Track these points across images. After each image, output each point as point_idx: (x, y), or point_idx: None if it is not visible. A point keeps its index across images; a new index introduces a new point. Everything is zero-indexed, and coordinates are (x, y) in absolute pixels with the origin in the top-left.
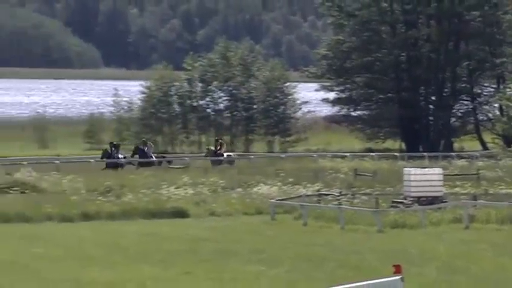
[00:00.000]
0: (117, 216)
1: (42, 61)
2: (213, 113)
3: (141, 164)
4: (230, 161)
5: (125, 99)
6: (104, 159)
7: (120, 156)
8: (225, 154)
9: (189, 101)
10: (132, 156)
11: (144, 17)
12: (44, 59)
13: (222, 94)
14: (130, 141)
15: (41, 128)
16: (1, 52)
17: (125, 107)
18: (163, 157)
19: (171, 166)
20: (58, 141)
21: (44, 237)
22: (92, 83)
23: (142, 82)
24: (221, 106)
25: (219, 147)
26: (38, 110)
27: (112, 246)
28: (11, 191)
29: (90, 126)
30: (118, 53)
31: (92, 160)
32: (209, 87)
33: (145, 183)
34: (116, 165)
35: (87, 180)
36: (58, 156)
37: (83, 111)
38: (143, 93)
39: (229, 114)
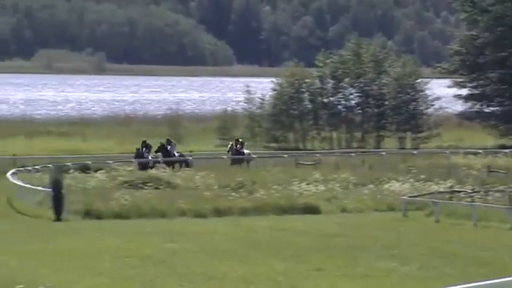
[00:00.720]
0: (249, 211)
1: (177, 59)
2: (344, 109)
3: (164, 163)
4: (248, 160)
5: (256, 95)
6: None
7: (151, 156)
8: (245, 151)
9: (320, 98)
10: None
11: (277, 14)
12: (179, 56)
13: (353, 91)
14: (262, 137)
15: (174, 125)
16: (137, 50)
17: (257, 104)
18: (182, 156)
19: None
20: (191, 138)
21: (178, 232)
22: (225, 80)
23: (273, 79)
24: (352, 103)
25: (239, 146)
26: (172, 107)
27: (244, 241)
28: (146, 187)
29: (223, 123)
30: (250, 50)
31: (225, 157)
32: (340, 83)
33: (277, 180)
34: (146, 166)
35: (219, 176)
36: (191, 152)
37: (216, 107)
38: (274, 90)
39: (360, 111)
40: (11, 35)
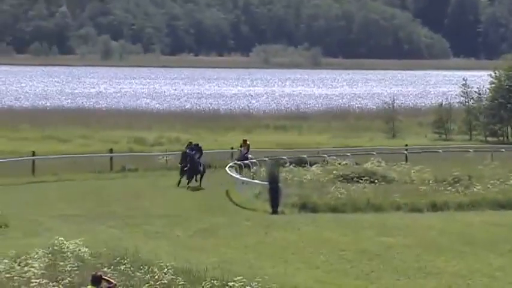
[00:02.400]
0: (465, 206)
1: (393, 52)
2: None
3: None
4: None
5: (473, 89)
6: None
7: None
8: (249, 156)
9: None
10: (181, 161)
11: (494, 6)
12: (395, 50)
13: None
14: (479, 131)
15: (389, 119)
16: (352, 44)
17: (474, 97)
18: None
19: None
20: (406, 132)
21: (393, 226)
22: (441, 74)
23: (491, 72)
24: None
25: (244, 150)
26: (387, 101)
27: (460, 236)
28: (361, 181)
29: (438, 117)
30: (467, 43)
31: (440, 151)
32: None
33: (494, 174)
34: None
35: (435, 171)
36: (406, 146)
37: (432, 101)
38: (492, 83)
39: None
40: (230, 31)
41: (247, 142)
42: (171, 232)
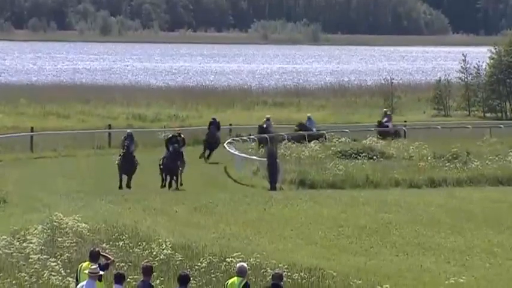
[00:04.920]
0: (463, 182)
1: (392, 28)
2: None
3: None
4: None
5: (472, 65)
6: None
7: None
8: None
9: None
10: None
11: None
12: (394, 26)
13: None
14: (477, 107)
15: (388, 95)
16: (352, 20)
17: (473, 73)
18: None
19: None
20: (405, 108)
21: (392, 202)
22: (440, 50)
23: (490, 48)
24: None
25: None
26: (386, 77)
27: (459, 212)
28: (359, 157)
29: (437, 93)
30: (466, 19)
31: (439, 127)
32: None
33: (493, 150)
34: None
35: (434, 147)
36: (405, 122)
37: (431, 77)
38: (492, 59)
39: None
40: (229, 7)
41: (182, 136)
42: (170, 208)
